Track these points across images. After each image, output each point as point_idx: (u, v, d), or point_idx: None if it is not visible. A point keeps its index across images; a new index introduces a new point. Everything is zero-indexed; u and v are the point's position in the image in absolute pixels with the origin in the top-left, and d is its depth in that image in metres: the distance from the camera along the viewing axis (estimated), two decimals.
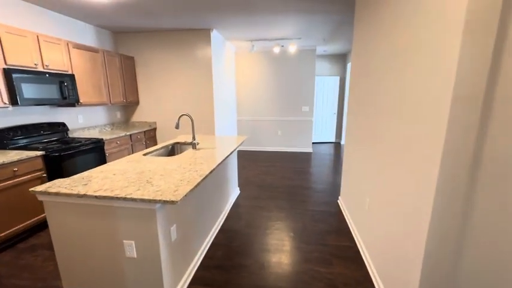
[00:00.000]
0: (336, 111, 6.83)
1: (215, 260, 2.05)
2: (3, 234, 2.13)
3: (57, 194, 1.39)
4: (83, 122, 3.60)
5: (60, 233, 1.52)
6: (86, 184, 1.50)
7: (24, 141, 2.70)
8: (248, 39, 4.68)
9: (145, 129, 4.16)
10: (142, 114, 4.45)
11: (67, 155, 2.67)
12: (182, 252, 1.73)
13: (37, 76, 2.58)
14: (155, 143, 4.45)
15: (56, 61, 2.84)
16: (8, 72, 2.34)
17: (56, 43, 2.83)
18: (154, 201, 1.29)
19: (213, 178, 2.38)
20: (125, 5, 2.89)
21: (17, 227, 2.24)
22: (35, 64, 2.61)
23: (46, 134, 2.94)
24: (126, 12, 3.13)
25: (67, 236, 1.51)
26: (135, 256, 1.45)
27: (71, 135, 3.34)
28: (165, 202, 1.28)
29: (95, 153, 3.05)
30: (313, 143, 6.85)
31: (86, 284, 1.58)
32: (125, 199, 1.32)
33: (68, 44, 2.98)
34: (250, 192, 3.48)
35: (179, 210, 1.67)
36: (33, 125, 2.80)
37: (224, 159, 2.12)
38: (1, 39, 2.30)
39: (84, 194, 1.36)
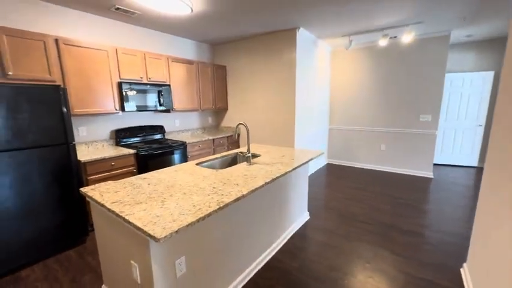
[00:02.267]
0: (483, 122, 4.67)
1: None
2: None
3: (91, 198, 1.46)
4: (179, 125, 4.12)
5: (100, 236, 1.61)
6: (117, 191, 1.52)
7: (130, 140, 3.32)
8: (344, 33, 3.91)
9: (229, 134, 4.31)
10: (230, 120, 4.65)
11: (153, 154, 3.06)
12: None
13: (140, 87, 3.10)
14: (237, 148, 4.53)
15: (157, 74, 3.34)
16: (120, 85, 2.91)
17: (158, 58, 3.32)
18: (142, 231, 1.07)
19: (262, 199, 1.99)
20: (205, 15, 3.00)
21: None
22: (141, 77, 3.14)
23: (147, 135, 3.52)
24: (210, 22, 3.28)
25: (104, 240, 1.58)
26: (139, 282, 1.31)
27: (167, 136, 3.89)
28: (149, 236, 1.04)
29: (178, 154, 3.37)
30: (435, 164, 5.02)
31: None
32: (124, 219, 1.18)
33: (168, 59, 3.45)
34: (323, 222, 2.81)
35: (193, 238, 1.40)
36: (138, 127, 3.42)
37: (269, 182, 1.69)
38: (118, 59, 2.90)
39: (103, 204, 1.34)
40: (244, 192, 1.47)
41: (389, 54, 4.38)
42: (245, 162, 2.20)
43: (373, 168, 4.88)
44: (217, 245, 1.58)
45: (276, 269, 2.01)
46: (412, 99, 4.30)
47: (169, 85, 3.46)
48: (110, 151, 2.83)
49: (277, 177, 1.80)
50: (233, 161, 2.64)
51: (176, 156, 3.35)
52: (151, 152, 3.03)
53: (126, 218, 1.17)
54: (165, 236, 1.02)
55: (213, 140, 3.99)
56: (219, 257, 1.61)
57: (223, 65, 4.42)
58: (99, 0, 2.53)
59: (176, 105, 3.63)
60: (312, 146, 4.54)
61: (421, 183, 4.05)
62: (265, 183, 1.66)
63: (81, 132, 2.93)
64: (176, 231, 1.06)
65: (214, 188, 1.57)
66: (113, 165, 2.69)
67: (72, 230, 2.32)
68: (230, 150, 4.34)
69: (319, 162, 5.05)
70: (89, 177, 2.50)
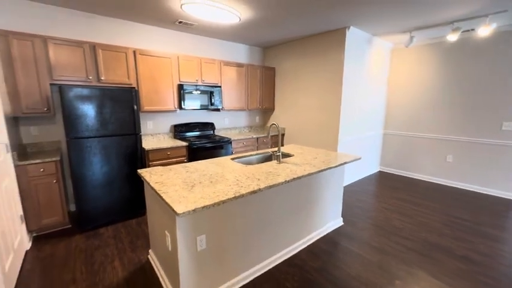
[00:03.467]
0: None
1: None
2: None
3: (143, 178, 1.85)
4: (228, 123, 4.50)
5: (148, 209, 2.01)
6: (162, 175, 1.87)
7: (186, 134, 3.84)
8: (404, 29, 3.55)
9: (273, 133, 4.47)
10: (276, 120, 4.80)
11: (202, 147, 3.47)
12: (214, 267, 1.68)
13: (195, 88, 3.55)
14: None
15: (210, 76, 3.75)
16: (179, 87, 3.42)
17: (212, 63, 3.73)
18: (169, 206, 1.34)
19: (286, 197, 2.08)
20: (253, 22, 3.20)
21: None
22: (196, 80, 3.60)
23: (200, 131, 3.99)
24: (258, 27, 3.47)
25: (151, 212, 1.97)
26: (170, 249, 1.61)
27: (216, 133, 4.30)
28: (173, 210, 1.29)
29: (223, 149, 3.72)
30: None
31: (156, 254, 1.99)
32: (159, 195, 1.48)
33: (220, 63, 3.83)
34: (358, 231, 2.68)
35: (214, 220, 1.62)
36: (192, 123, 3.91)
37: (289, 181, 1.78)
38: (179, 65, 3.40)
39: (148, 183, 1.69)
40: (262, 187, 1.61)
41: (460, 50, 3.75)
42: (275, 161, 2.32)
43: (434, 181, 4.26)
44: (238, 231, 1.77)
45: (296, 266, 2.07)
46: (492, 104, 3.57)
47: (220, 86, 3.84)
48: (167, 142, 3.37)
49: (299, 177, 1.86)
50: (268, 159, 2.79)
51: (222, 151, 3.70)
52: (200, 145, 3.44)
53: (161, 194, 1.47)
54: (183, 212, 1.25)
55: (257, 138, 4.21)
56: (238, 242, 1.79)
57: (272, 67, 4.59)
58: (167, 17, 3.03)
59: (225, 104, 4.00)
60: (361, 151, 4.28)
61: (497, 205, 3.35)
62: (285, 181, 1.76)
63: (149, 125, 3.56)
64: (193, 210, 1.28)
65: (237, 180, 1.75)
66: (168, 154, 3.19)
67: (135, 203, 2.90)
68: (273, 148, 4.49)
69: (369, 169, 4.70)
70: (150, 163, 3.05)
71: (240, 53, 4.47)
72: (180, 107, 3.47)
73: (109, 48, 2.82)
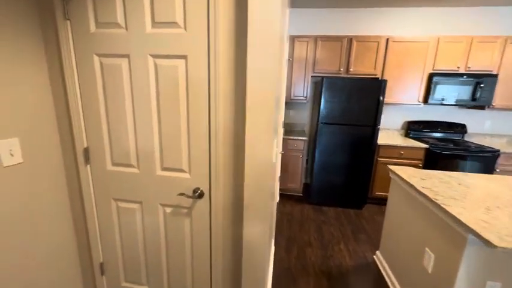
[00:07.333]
0: None
1: None
2: (378, 193, 2.97)
3: (398, 175, 1.67)
4: (489, 128, 3.17)
5: (391, 209, 1.83)
6: (423, 179, 1.57)
7: (422, 133, 3.19)
8: None
9: None
10: None
11: (447, 154, 2.70)
12: None
13: (453, 78, 2.76)
14: None
15: (481, 61, 2.74)
16: (430, 76, 2.82)
17: (492, 41, 2.68)
18: (468, 229, 1.03)
19: None
20: None
21: (383, 193, 2.95)
22: (458, 67, 2.78)
23: (442, 132, 3.16)
24: None
25: (394, 214, 1.78)
26: (430, 271, 1.32)
27: (467, 138, 3.19)
28: (479, 237, 0.96)
29: (480, 162, 2.68)
30: None
31: (389, 261, 1.80)
32: (439, 207, 1.21)
33: (506, 40, 2.66)
34: None
35: None
36: (434, 122, 3.15)
37: None
38: (438, 49, 2.77)
39: (412, 185, 1.47)
40: None
41: None
42: None
43: None
44: None
45: None
46: None
47: (496, 75, 2.71)
48: (399, 140, 2.98)
49: None
50: None
51: (477, 164, 2.69)
52: (446, 151, 2.70)
53: (443, 207, 1.19)
54: (505, 248, 0.88)
55: None
56: None
57: None
58: None
59: (498, 101, 2.80)
60: None
61: None
62: None
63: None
64: None
65: None
66: (401, 153, 2.81)
67: (356, 194, 2.89)
68: None
69: None
70: (379, 158, 2.87)
71: None
72: (425, 101, 2.89)
73: (363, 39, 2.86)
